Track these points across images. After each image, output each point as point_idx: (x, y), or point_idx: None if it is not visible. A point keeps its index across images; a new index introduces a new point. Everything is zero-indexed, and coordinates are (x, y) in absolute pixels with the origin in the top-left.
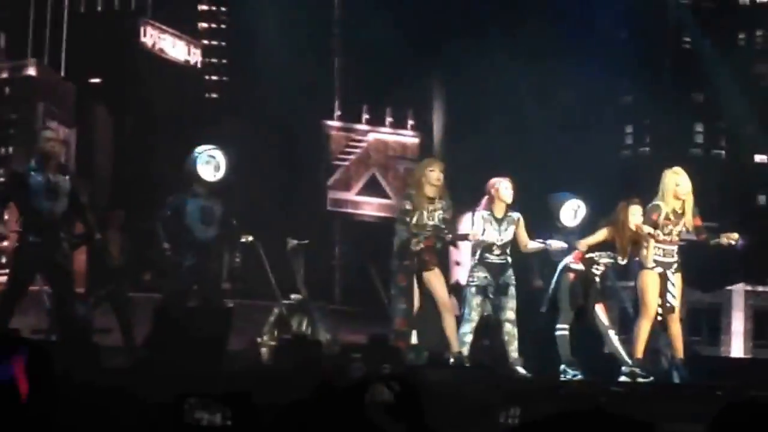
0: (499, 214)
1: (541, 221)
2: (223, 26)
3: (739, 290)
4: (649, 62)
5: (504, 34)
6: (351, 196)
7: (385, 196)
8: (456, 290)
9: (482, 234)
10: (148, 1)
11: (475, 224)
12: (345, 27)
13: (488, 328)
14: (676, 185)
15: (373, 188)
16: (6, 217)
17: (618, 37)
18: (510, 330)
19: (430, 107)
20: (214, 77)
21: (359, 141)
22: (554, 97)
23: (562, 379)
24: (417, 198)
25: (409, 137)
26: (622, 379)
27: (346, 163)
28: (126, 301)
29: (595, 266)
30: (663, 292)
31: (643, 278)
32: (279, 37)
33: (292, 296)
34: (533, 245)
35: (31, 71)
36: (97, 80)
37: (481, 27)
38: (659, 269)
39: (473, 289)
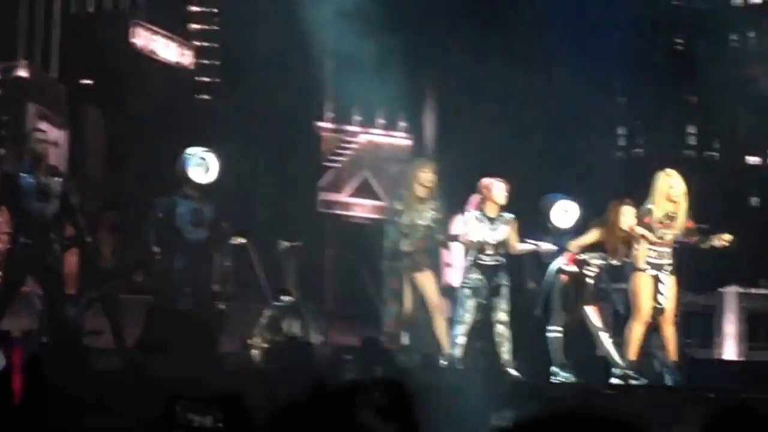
0: (492, 214)
1: (533, 222)
2: (215, 28)
3: (732, 292)
4: (641, 64)
5: (496, 35)
6: (343, 197)
7: (377, 197)
8: (447, 292)
9: (474, 234)
10: (140, 3)
11: (467, 225)
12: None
13: (481, 329)
14: (669, 187)
15: (364, 190)
16: None
17: (611, 39)
18: (502, 332)
19: (421, 108)
20: (206, 79)
21: (351, 142)
22: (547, 98)
23: (554, 381)
24: (408, 198)
25: (400, 138)
26: (615, 381)
27: (338, 164)
28: (116, 303)
29: (588, 267)
30: (654, 294)
31: (636, 280)
32: (271, 39)
33: (284, 298)
34: (522, 246)
35: (22, 72)
36: (88, 81)
37: (473, 28)
38: (652, 271)
39: (467, 291)
